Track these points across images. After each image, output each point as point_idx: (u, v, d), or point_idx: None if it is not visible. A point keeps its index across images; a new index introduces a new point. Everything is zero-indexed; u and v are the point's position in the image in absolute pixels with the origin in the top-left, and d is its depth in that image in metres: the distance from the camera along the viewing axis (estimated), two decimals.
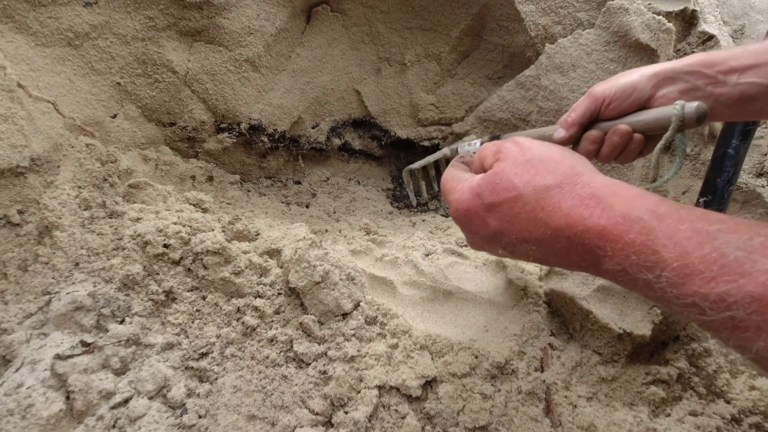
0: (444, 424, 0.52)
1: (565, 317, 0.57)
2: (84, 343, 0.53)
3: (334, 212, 1.11)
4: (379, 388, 0.55)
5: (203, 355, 0.58)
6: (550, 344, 0.54)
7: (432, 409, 0.53)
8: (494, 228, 0.43)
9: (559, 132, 0.66)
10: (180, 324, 0.60)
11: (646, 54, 0.88)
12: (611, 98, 0.61)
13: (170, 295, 0.61)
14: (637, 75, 0.60)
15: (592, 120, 0.62)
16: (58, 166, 0.67)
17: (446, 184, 0.50)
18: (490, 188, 0.43)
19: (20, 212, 0.61)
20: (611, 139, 0.60)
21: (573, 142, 0.66)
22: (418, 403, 0.54)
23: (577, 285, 0.57)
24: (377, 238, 0.78)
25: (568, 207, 0.38)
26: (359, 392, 0.55)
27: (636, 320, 0.52)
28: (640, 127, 0.58)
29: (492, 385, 0.54)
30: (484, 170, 0.46)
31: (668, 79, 0.58)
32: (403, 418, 0.53)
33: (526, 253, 0.42)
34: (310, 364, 0.58)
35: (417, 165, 0.89)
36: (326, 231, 0.95)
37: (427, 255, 0.71)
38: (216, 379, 0.57)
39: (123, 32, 0.84)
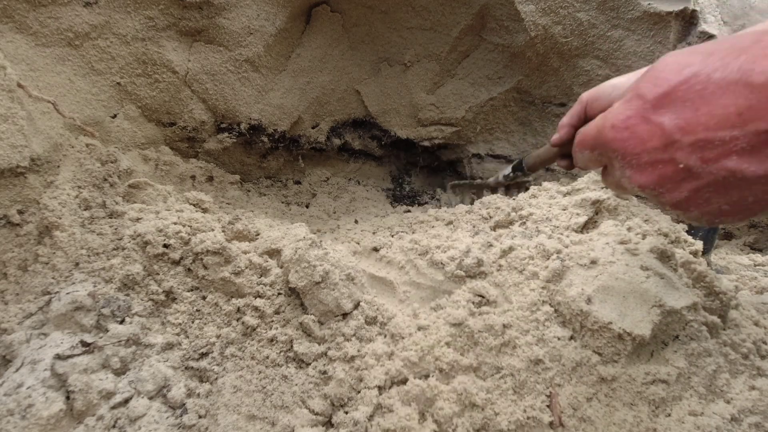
0: (444, 424, 0.52)
1: (565, 317, 0.57)
2: (84, 343, 0.53)
3: (334, 212, 1.11)
4: (379, 388, 0.55)
5: (203, 355, 0.58)
6: (557, 385, 0.54)
7: (432, 409, 0.53)
8: (671, 128, 0.32)
9: (555, 135, 0.69)
10: (180, 324, 0.60)
11: None
12: (594, 98, 0.63)
13: (170, 295, 0.61)
14: (624, 77, 0.61)
15: (582, 122, 0.63)
16: (58, 166, 0.67)
17: (583, 132, 0.44)
18: (651, 82, 0.33)
19: (20, 212, 0.61)
20: None
21: (565, 143, 0.68)
22: (418, 402, 0.54)
23: (577, 285, 0.57)
24: (378, 239, 0.78)
25: None
26: (359, 392, 0.55)
27: (636, 320, 0.52)
28: None
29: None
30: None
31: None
32: (403, 417, 0.53)
33: (728, 151, 0.30)
34: (310, 364, 0.58)
35: (463, 183, 1.00)
36: (327, 231, 0.95)
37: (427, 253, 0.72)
38: (216, 379, 0.57)
39: (123, 32, 0.84)
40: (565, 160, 0.73)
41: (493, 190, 1.10)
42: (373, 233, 0.86)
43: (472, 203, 1.09)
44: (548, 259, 0.61)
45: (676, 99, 0.31)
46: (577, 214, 0.71)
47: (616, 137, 0.36)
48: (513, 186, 1.10)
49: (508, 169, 0.96)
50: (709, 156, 0.31)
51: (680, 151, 0.32)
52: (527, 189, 0.98)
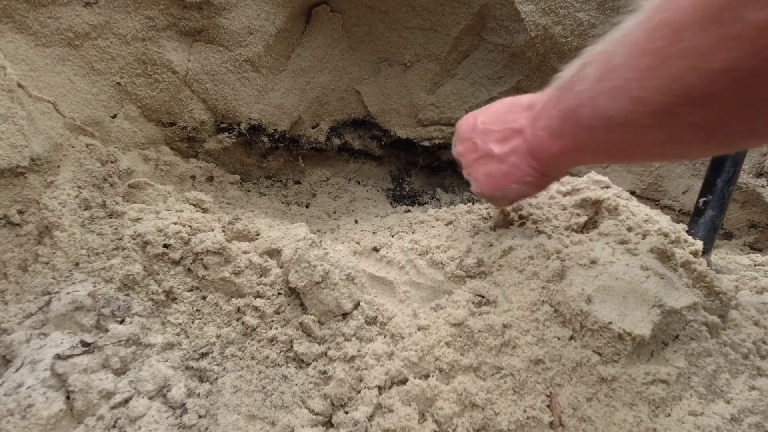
0: (444, 424, 0.52)
1: (565, 317, 0.57)
2: (84, 343, 0.53)
3: (334, 212, 1.11)
4: (379, 388, 0.55)
5: (203, 355, 0.58)
6: (557, 385, 0.54)
7: (432, 409, 0.53)
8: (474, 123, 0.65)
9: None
10: (180, 324, 0.60)
11: None
12: None
13: (170, 295, 0.61)
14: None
15: None
16: (58, 166, 0.67)
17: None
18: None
19: (20, 212, 0.61)
20: None
21: None
22: (418, 402, 0.54)
23: (577, 285, 0.57)
24: (378, 239, 0.78)
25: None
26: (359, 392, 0.55)
27: (636, 320, 0.52)
28: None
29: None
30: None
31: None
32: (403, 417, 0.53)
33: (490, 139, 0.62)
34: (310, 364, 0.58)
35: None
36: (327, 231, 0.95)
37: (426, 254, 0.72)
38: (216, 379, 0.57)
39: (123, 32, 0.84)
40: None
41: None
42: (373, 233, 0.86)
43: None
44: (548, 259, 0.61)
45: (489, 112, 0.63)
46: (577, 214, 0.71)
47: (458, 126, 0.68)
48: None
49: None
50: (485, 138, 0.61)
51: (476, 133, 0.62)
52: None
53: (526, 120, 0.55)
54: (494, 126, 0.59)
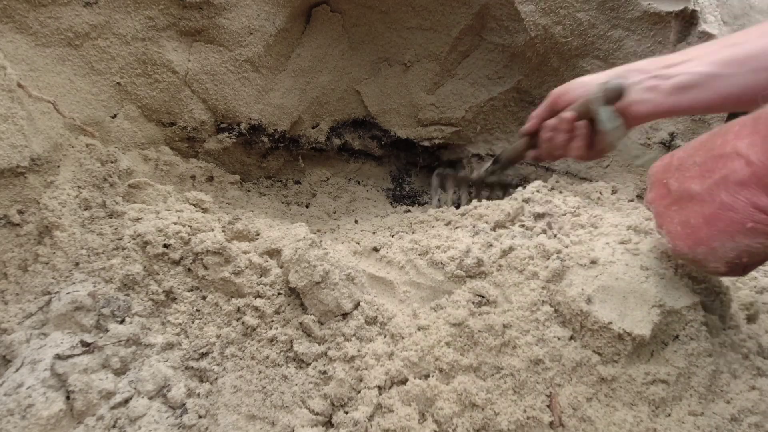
0: (444, 424, 0.52)
1: (565, 317, 0.57)
2: (84, 343, 0.53)
3: (334, 212, 1.11)
4: (379, 388, 0.55)
5: (203, 355, 0.58)
6: (557, 385, 0.54)
7: (432, 409, 0.53)
8: (671, 160, 0.50)
9: (524, 126, 0.76)
10: (180, 324, 0.60)
11: None
12: (563, 92, 0.70)
13: (170, 295, 0.61)
14: (589, 76, 0.68)
15: (550, 114, 0.71)
16: (58, 166, 0.67)
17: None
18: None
19: (20, 212, 0.61)
20: (558, 123, 0.67)
21: (532, 133, 0.76)
22: (418, 402, 0.54)
23: (577, 285, 0.57)
24: (378, 239, 0.78)
25: None
26: (359, 392, 0.55)
27: (636, 320, 0.52)
28: (578, 109, 0.65)
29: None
30: None
31: (615, 77, 0.63)
32: (403, 417, 0.53)
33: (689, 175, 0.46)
34: (310, 364, 0.58)
35: (445, 172, 1.05)
36: (327, 231, 0.96)
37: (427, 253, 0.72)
38: (216, 379, 0.57)
39: (123, 32, 0.84)
40: (534, 151, 0.79)
41: (477, 185, 1.13)
42: (373, 233, 0.86)
43: (454, 195, 1.13)
44: (548, 259, 0.61)
45: (690, 145, 0.47)
46: (578, 214, 0.71)
47: (651, 168, 0.52)
48: (496, 185, 1.13)
49: (487, 164, 0.99)
50: (680, 177, 0.45)
51: (670, 172, 0.47)
52: (511, 191, 0.99)
53: (747, 138, 0.38)
54: (694, 158, 0.43)
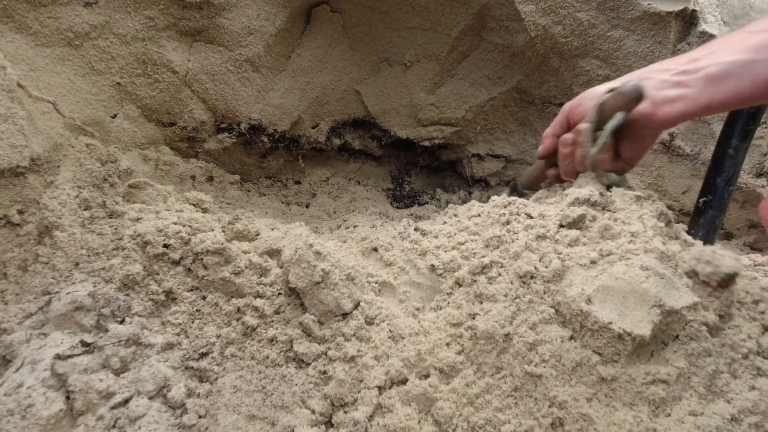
0: (444, 424, 0.52)
1: (565, 317, 0.57)
2: (84, 343, 0.53)
3: (334, 212, 1.11)
4: (379, 388, 0.55)
5: (203, 355, 0.58)
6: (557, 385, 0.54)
7: (432, 409, 0.53)
8: None
9: (539, 149, 0.72)
10: (180, 324, 0.60)
11: None
12: (575, 105, 0.66)
13: (170, 295, 0.61)
14: (602, 86, 0.64)
15: (564, 130, 0.67)
16: (58, 166, 0.67)
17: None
18: None
19: (20, 212, 0.61)
20: (578, 139, 0.63)
21: (551, 153, 0.71)
22: (418, 402, 0.54)
23: (577, 285, 0.57)
24: (378, 239, 0.78)
25: None
26: (359, 392, 0.55)
27: (636, 320, 0.52)
28: (593, 119, 0.60)
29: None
30: None
31: (630, 80, 0.59)
32: (403, 417, 0.53)
33: None
34: (310, 364, 0.58)
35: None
36: (327, 231, 0.96)
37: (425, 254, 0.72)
38: (216, 379, 0.57)
39: (123, 32, 0.84)
40: (554, 170, 0.75)
41: None
42: (373, 233, 0.86)
43: None
44: (548, 258, 0.61)
45: None
46: (577, 213, 0.70)
47: (764, 209, 0.49)
48: None
49: (504, 195, 0.94)
50: None
51: None
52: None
53: None
54: None
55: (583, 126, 0.61)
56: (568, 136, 0.65)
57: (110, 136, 0.87)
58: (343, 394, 0.54)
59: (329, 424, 0.54)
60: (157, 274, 0.61)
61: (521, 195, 0.86)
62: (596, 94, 0.63)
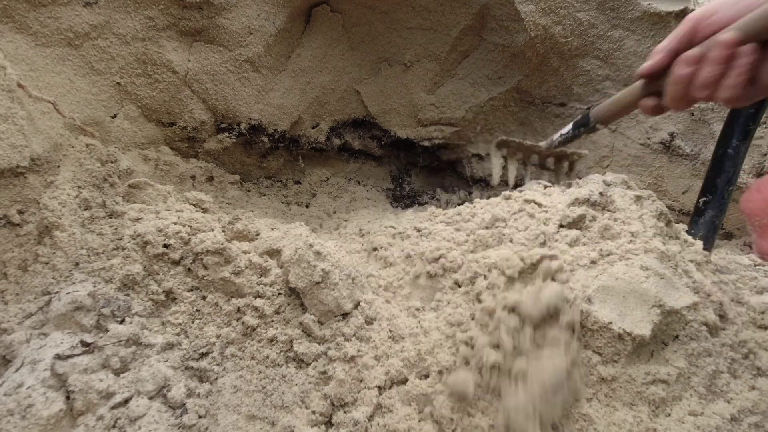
0: (444, 424, 0.52)
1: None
2: (84, 343, 0.53)
3: (334, 212, 1.11)
4: (379, 388, 0.55)
5: (203, 355, 0.58)
6: None
7: (432, 409, 0.53)
8: None
9: (647, 63, 0.56)
10: (180, 324, 0.60)
11: None
12: (706, 14, 0.50)
13: (170, 295, 0.61)
14: None
15: (687, 46, 0.52)
16: (58, 166, 0.67)
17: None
18: None
19: (20, 212, 0.61)
20: (711, 54, 0.46)
21: (660, 72, 0.55)
22: (418, 402, 0.54)
23: (577, 285, 0.57)
24: (376, 239, 0.78)
25: None
26: (359, 392, 0.55)
27: (636, 320, 0.52)
28: (746, 28, 0.44)
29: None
30: None
31: None
32: (403, 417, 0.53)
33: None
34: (310, 364, 0.58)
35: (511, 140, 0.89)
36: (327, 231, 0.96)
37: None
38: (216, 379, 0.57)
39: (123, 32, 0.84)
40: (652, 99, 0.59)
41: (542, 158, 0.99)
42: (373, 233, 0.86)
43: (519, 168, 1.00)
44: (548, 258, 0.61)
45: None
46: (577, 213, 0.70)
47: (745, 202, 0.41)
48: (564, 158, 0.99)
49: (567, 128, 0.78)
50: None
51: None
52: (574, 165, 0.91)
53: None
54: None
55: (726, 36, 0.46)
56: (696, 51, 0.50)
57: (110, 136, 0.87)
58: (343, 394, 0.54)
59: (329, 424, 0.54)
60: (157, 274, 0.61)
61: (591, 130, 0.74)
62: (736, 1, 0.48)
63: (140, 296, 0.60)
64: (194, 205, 0.75)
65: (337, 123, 1.18)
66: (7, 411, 0.46)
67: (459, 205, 0.83)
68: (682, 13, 0.95)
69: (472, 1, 1.00)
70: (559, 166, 1.02)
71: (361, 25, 1.05)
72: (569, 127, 0.77)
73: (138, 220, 0.66)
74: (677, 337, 0.54)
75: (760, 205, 0.41)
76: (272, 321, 0.61)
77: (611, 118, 0.69)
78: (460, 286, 0.64)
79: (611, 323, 0.52)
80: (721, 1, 0.51)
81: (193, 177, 0.99)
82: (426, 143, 1.21)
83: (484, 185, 1.29)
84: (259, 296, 0.61)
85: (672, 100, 0.55)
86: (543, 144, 0.90)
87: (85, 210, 0.65)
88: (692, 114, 1.07)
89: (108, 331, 0.55)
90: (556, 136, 0.84)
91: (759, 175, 1.09)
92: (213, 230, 0.65)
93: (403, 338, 0.59)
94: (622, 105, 0.65)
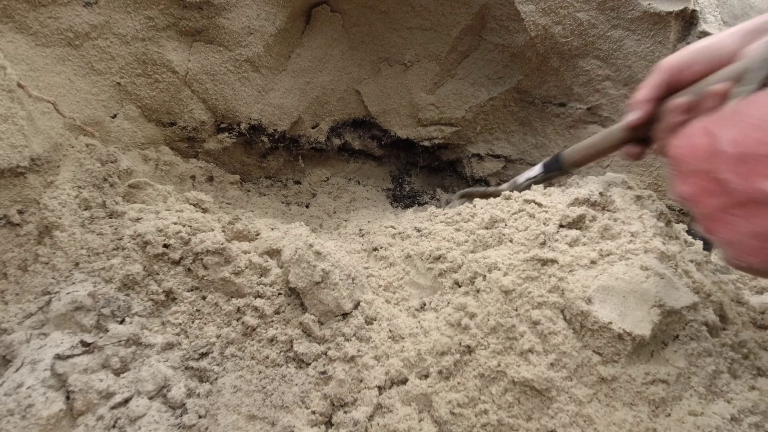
0: (444, 425, 0.52)
1: (565, 317, 0.57)
2: (84, 343, 0.53)
3: (334, 212, 1.11)
4: (379, 388, 0.55)
5: (203, 355, 0.58)
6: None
7: (432, 409, 0.53)
8: (724, 139, 0.34)
9: (631, 114, 0.56)
10: (180, 324, 0.60)
11: None
12: (686, 64, 0.52)
13: (170, 295, 0.61)
14: (718, 36, 0.51)
15: (667, 94, 0.53)
16: (58, 166, 0.67)
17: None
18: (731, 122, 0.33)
19: (20, 212, 0.61)
20: (705, 105, 0.47)
21: (648, 122, 0.56)
22: (418, 402, 0.54)
23: (577, 285, 0.57)
24: (376, 239, 0.78)
25: None
26: (359, 392, 0.55)
27: (636, 320, 0.52)
28: (736, 75, 0.46)
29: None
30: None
31: (758, 32, 0.47)
32: (403, 417, 0.53)
33: (765, 171, 0.32)
34: (310, 364, 0.58)
35: (474, 191, 0.88)
36: (327, 231, 0.96)
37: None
38: (216, 379, 0.57)
39: (123, 32, 0.84)
40: (637, 146, 0.60)
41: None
42: (373, 233, 0.86)
43: None
44: (548, 258, 0.61)
45: (746, 122, 0.32)
46: (577, 213, 0.70)
47: (673, 147, 0.38)
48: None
49: (534, 170, 0.74)
50: (745, 171, 0.32)
51: (721, 162, 0.34)
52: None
53: None
54: (763, 147, 0.32)
55: (719, 87, 0.46)
56: (685, 100, 0.50)
57: (110, 136, 0.87)
58: (343, 394, 0.54)
59: (329, 424, 0.54)
60: (157, 274, 0.61)
61: (564, 173, 0.72)
62: (714, 49, 0.50)
63: (140, 296, 0.60)
64: (194, 205, 0.75)
65: (337, 123, 1.18)
66: (7, 411, 0.46)
67: (459, 205, 0.83)
68: (682, 13, 0.95)
69: (472, 1, 1.00)
70: None
71: (361, 25, 1.05)
72: (537, 169, 0.74)
73: (138, 220, 0.66)
74: (677, 337, 0.54)
75: (688, 151, 0.38)
76: (272, 321, 0.61)
77: (585, 162, 0.69)
78: (460, 286, 0.64)
79: (611, 323, 0.52)
80: (693, 50, 0.53)
81: (193, 177, 0.99)
82: (426, 143, 1.21)
83: (484, 185, 1.29)
84: (259, 296, 0.61)
85: (660, 150, 0.57)
86: (505, 186, 0.84)
87: (85, 210, 0.65)
88: None
89: (108, 331, 0.55)
90: (521, 179, 0.79)
91: None
92: (213, 230, 0.65)
93: (403, 338, 0.59)
94: (600, 150, 0.65)
